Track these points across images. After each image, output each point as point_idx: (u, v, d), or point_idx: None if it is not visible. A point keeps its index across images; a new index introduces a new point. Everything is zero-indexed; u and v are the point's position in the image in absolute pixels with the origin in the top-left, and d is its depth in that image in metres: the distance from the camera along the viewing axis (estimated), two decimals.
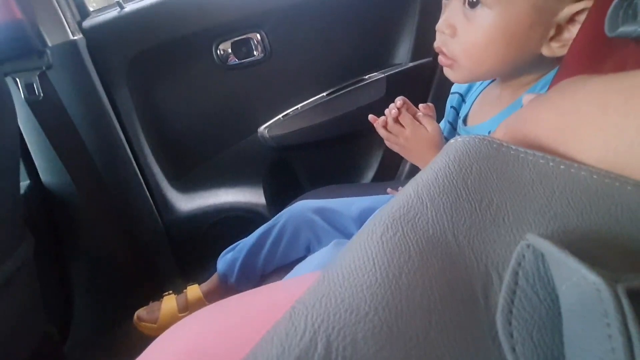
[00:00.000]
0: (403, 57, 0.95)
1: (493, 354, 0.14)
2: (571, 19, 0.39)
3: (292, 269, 0.60)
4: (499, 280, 0.15)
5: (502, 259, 0.16)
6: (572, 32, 0.39)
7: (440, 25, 0.45)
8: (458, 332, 0.14)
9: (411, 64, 0.94)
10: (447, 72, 0.47)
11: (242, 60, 0.87)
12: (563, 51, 0.40)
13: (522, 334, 0.14)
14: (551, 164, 0.18)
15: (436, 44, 0.46)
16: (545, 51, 0.41)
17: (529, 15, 0.40)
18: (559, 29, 0.40)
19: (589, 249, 0.15)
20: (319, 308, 0.15)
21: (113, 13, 0.80)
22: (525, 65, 0.44)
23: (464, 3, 0.42)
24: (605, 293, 0.12)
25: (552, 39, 0.41)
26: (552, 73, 0.44)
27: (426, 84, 0.96)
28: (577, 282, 0.13)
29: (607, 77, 0.20)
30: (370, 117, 0.56)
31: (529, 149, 0.19)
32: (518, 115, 0.24)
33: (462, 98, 0.58)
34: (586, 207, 0.16)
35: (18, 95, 0.71)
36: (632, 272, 0.13)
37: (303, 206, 0.70)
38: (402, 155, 0.55)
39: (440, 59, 0.47)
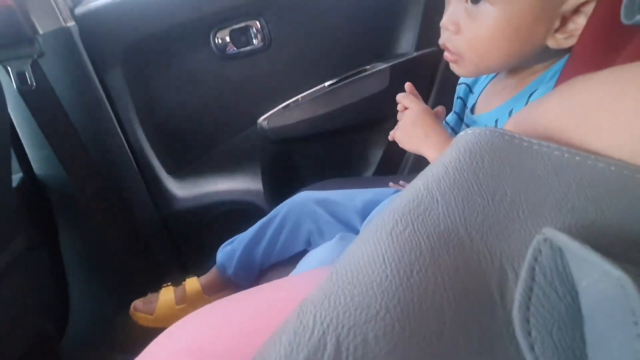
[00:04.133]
0: (407, 46, 0.93)
1: (511, 353, 0.13)
2: (576, 10, 0.38)
3: (292, 263, 0.59)
4: (515, 276, 0.15)
5: (518, 254, 0.15)
6: (578, 22, 0.39)
7: (444, 22, 0.45)
8: (473, 330, 0.14)
9: (416, 54, 0.91)
10: (452, 67, 0.47)
11: (241, 50, 0.85)
12: (569, 42, 0.40)
13: (541, 332, 0.13)
14: (566, 155, 0.18)
15: (441, 41, 0.46)
16: (551, 43, 0.41)
17: (533, 9, 0.39)
18: (564, 20, 0.40)
19: (609, 244, 0.15)
20: (328, 306, 0.14)
21: (107, 0, 0.78)
22: (532, 58, 0.44)
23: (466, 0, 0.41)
24: (631, 289, 0.11)
25: (557, 30, 0.40)
26: (561, 62, 0.43)
27: (431, 74, 0.94)
28: (600, 278, 0.12)
29: (620, 67, 0.20)
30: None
31: (542, 140, 0.19)
32: (528, 108, 0.23)
33: (470, 88, 0.57)
34: (605, 200, 0.16)
35: (9, 84, 0.69)
36: None
37: (305, 197, 0.70)
38: (406, 147, 0.53)
39: (446, 55, 0.47)
